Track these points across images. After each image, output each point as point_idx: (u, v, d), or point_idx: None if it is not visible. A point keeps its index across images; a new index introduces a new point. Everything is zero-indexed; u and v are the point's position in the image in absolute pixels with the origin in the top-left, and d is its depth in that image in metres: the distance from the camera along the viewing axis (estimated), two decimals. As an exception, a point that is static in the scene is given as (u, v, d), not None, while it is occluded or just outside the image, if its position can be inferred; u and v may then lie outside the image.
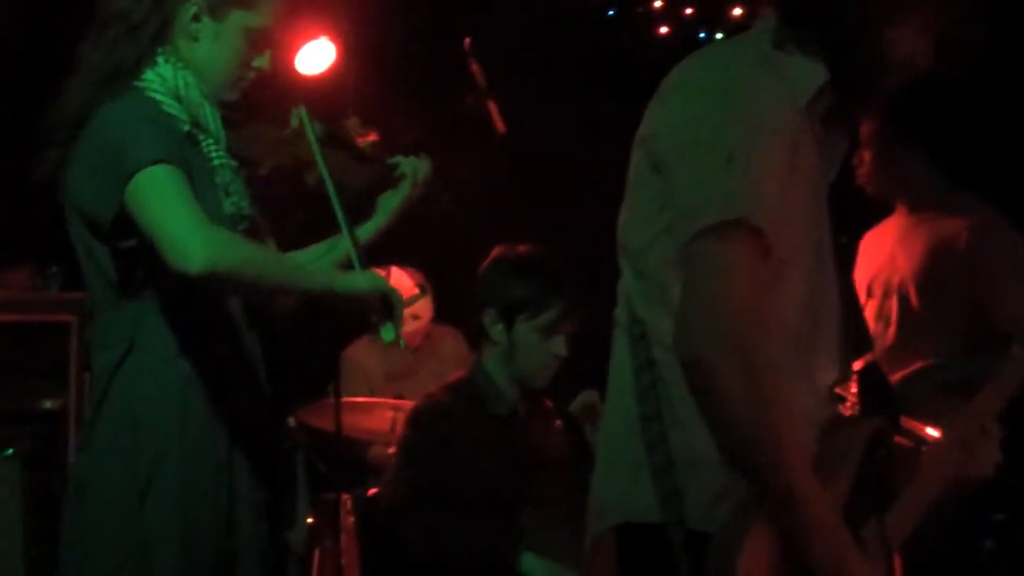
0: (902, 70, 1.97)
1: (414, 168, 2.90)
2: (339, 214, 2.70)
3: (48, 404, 5.07)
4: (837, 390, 2.03)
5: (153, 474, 2.42)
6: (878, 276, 3.88)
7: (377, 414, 4.57)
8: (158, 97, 2.48)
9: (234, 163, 2.56)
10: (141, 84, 2.49)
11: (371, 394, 4.90)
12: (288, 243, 2.82)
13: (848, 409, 2.02)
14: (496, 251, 3.60)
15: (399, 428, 4.46)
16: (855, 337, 2.08)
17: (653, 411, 1.93)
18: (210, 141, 2.52)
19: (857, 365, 2.07)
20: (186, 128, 2.50)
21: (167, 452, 2.43)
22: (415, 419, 3.55)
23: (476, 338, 3.66)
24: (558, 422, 3.64)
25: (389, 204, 2.89)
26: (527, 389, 3.54)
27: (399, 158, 2.91)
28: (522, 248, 3.57)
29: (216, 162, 2.52)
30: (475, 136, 3.99)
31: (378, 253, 2.88)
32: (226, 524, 2.49)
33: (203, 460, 2.47)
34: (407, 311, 4.98)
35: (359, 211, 2.84)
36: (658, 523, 1.89)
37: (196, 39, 2.54)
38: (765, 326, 1.85)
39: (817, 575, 1.81)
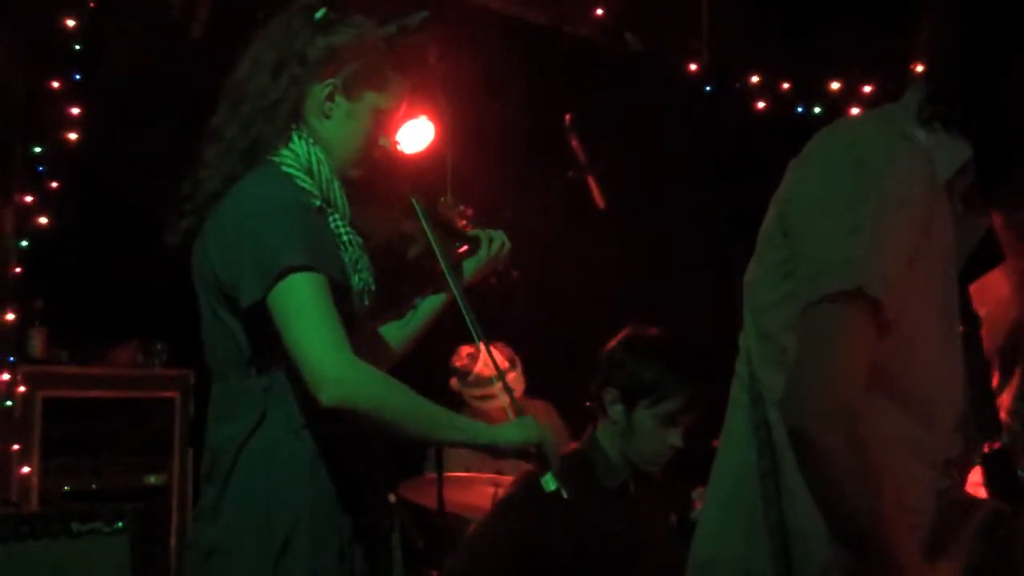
0: None
1: (491, 237, 2.95)
2: (450, 280, 2.75)
3: (153, 479, 5.15)
4: (957, 465, 2.00)
5: (288, 542, 2.42)
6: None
7: (477, 490, 4.54)
8: (292, 172, 2.52)
9: (360, 239, 2.59)
10: (276, 159, 2.53)
11: (466, 470, 4.88)
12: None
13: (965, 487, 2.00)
14: (627, 330, 3.57)
15: (499, 504, 4.45)
16: (984, 420, 2.05)
17: (769, 467, 1.94)
18: (337, 216, 2.56)
19: (984, 448, 2.04)
20: (317, 203, 2.53)
21: (299, 525, 2.43)
22: (522, 481, 3.51)
23: (575, 412, 3.63)
24: (668, 502, 3.60)
25: (467, 270, 2.94)
26: (637, 471, 3.51)
27: (477, 231, 2.96)
28: (654, 331, 3.54)
29: (345, 238, 2.55)
30: (575, 212, 4.00)
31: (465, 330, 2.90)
32: None
33: (330, 534, 2.46)
34: (498, 387, 5.00)
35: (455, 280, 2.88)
36: None
37: (328, 117, 2.59)
38: (883, 398, 1.86)
39: None
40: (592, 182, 4.05)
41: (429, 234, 2.75)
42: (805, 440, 1.80)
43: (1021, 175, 1.98)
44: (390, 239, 2.79)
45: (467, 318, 2.73)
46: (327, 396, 2.30)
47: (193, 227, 2.53)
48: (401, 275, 2.85)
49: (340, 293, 2.43)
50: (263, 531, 2.42)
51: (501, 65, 5.79)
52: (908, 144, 1.93)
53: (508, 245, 2.99)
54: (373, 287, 2.57)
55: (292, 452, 2.45)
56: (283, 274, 2.34)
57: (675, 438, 3.44)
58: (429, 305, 2.90)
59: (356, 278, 2.53)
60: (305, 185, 2.52)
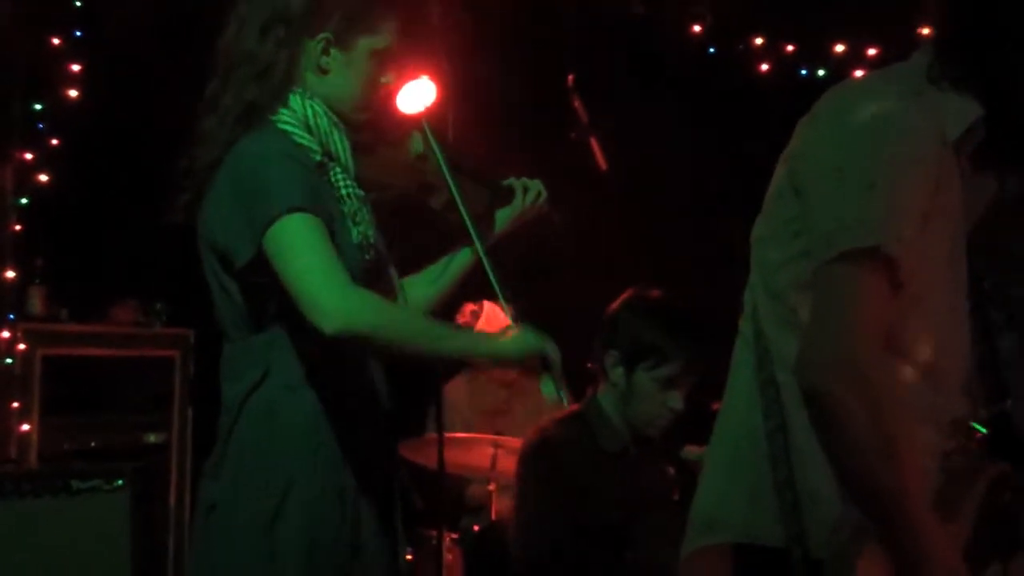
0: None
1: (525, 187, 2.92)
2: (472, 231, 2.71)
3: (152, 438, 5.16)
4: (962, 425, 1.99)
5: (284, 501, 2.43)
6: None
7: (477, 450, 4.56)
8: (289, 128, 2.51)
9: (361, 192, 2.58)
10: (273, 118, 2.52)
11: (466, 431, 4.89)
12: (405, 266, 2.83)
13: (974, 446, 1.99)
14: (628, 293, 3.58)
15: (499, 464, 4.46)
16: (991, 382, 2.05)
17: (778, 424, 1.93)
18: (338, 170, 2.55)
19: (991, 410, 2.04)
20: (317, 158, 2.52)
21: (297, 480, 2.44)
22: (530, 457, 3.51)
23: (578, 375, 3.63)
24: (668, 465, 3.61)
25: (499, 221, 2.91)
26: (638, 432, 3.52)
27: (512, 179, 2.92)
28: (655, 293, 3.55)
29: (344, 191, 2.54)
30: (576, 173, 3.99)
31: (473, 289, 2.88)
32: (351, 550, 2.49)
33: (331, 488, 2.47)
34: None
35: (480, 233, 2.83)
36: (779, 547, 1.90)
37: (326, 71, 2.57)
38: (892, 357, 1.86)
39: None
40: (594, 143, 4.03)
41: (448, 178, 2.71)
42: (822, 399, 1.81)
43: None
44: (408, 188, 2.76)
45: (491, 275, 2.68)
46: (329, 325, 2.29)
47: (193, 200, 2.52)
48: (426, 226, 2.81)
49: (338, 246, 2.42)
50: (260, 489, 2.43)
51: (504, 26, 5.77)
52: (919, 101, 1.91)
53: (545, 194, 2.96)
54: (373, 240, 2.56)
55: (290, 410, 2.46)
56: (274, 219, 2.34)
57: (675, 401, 3.45)
58: (461, 259, 2.86)
59: (355, 231, 2.52)
60: (303, 141, 2.51)
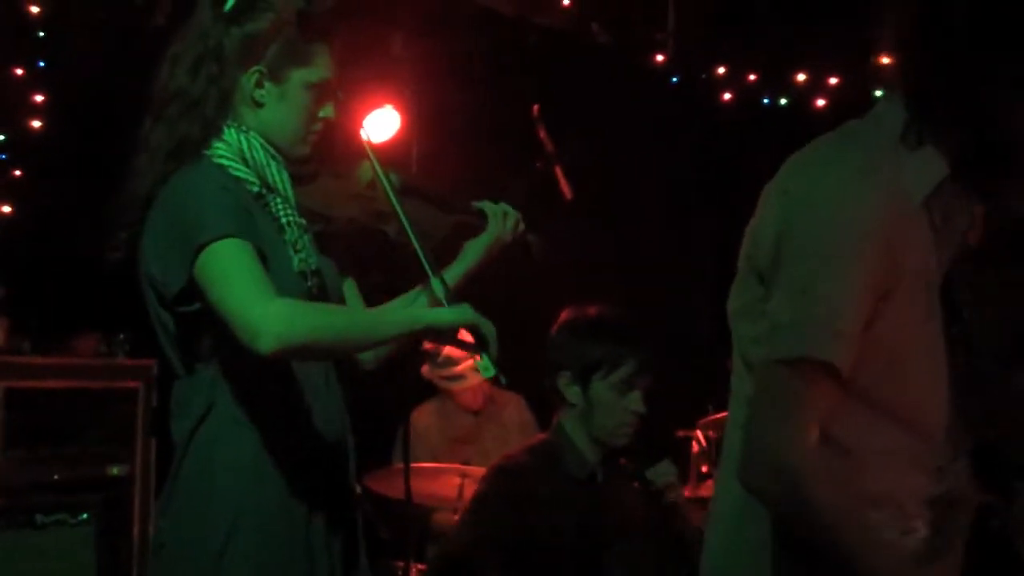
0: None
1: (503, 213, 2.90)
2: (423, 260, 2.67)
3: (115, 470, 5.11)
4: (949, 471, 2.03)
5: (230, 537, 2.42)
6: None
7: (444, 480, 4.54)
8: (225, 162, 2.51)
9: (302, 220, 2.57)
10: (208, 152, 2.52)
11: (433, 459, 4.88)
12: (371, 300, 2.81)
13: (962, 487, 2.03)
14: (565, 314, 3.61)
15: (466, 493, 4.44)
16: (970, 416, 2.07)
17: None
18: (278, 200, 2.54)
19: (972, 445, 2.07)
20: (255, 189, 2.52)
21: (244, 515, 2.43)
22: (492, 476, 3.52)
23: (545, 402, 3.64)
24: (636, 485, 3.61)
25: (474, 249, 2.88)
26: (607, 449, 3.52)
27: (485, 203, 2.90)
28: (592, 309, 3.58)
29: (284, 220, 2.53)
30: (543, 203, 4.00)
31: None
32: None
33: (281, 522, 2.46)
34: (469, 363, 4.97)
35: (444, 260, 2.80)
36: None
37: (261, 105, 2.57)
38: (873, 416, 1.94)
39: None
40: (559, 172, 4.04)
41: (395, 205, 2.66)
42: (762, 500, 1.91)
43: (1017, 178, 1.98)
44: (357, 218, 2.73)
45: (440, 285, 2.64)
46: (264, 344, 2.27)
47: (131, 236, 2.51)
48: (391, 256, 2.78)
49: (277, 274, 2.42)
50: (204, 525, 2.42)
51: (468, 55, 5.78)
52: (872, 179, 1.92)
53: (522, 224, 2.94)
54: (315, 267, 2.55)
55: (236, 443, 2.45)
56: (204, 245, 2.34)
57: (636, 403, 3.47)
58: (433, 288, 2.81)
59: (296, 259, 2.52)
60: (239, 173, 2.51)
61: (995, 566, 2.01)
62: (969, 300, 2.08)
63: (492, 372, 2.51)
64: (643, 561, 3.40)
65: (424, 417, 5.26)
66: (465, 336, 2.52)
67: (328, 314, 2.44)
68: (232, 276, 2.33)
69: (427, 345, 4.89)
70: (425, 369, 5.12)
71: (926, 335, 2.00)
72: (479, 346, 2.50)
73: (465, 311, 2.50)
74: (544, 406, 3.70)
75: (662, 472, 3.60)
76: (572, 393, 3.49)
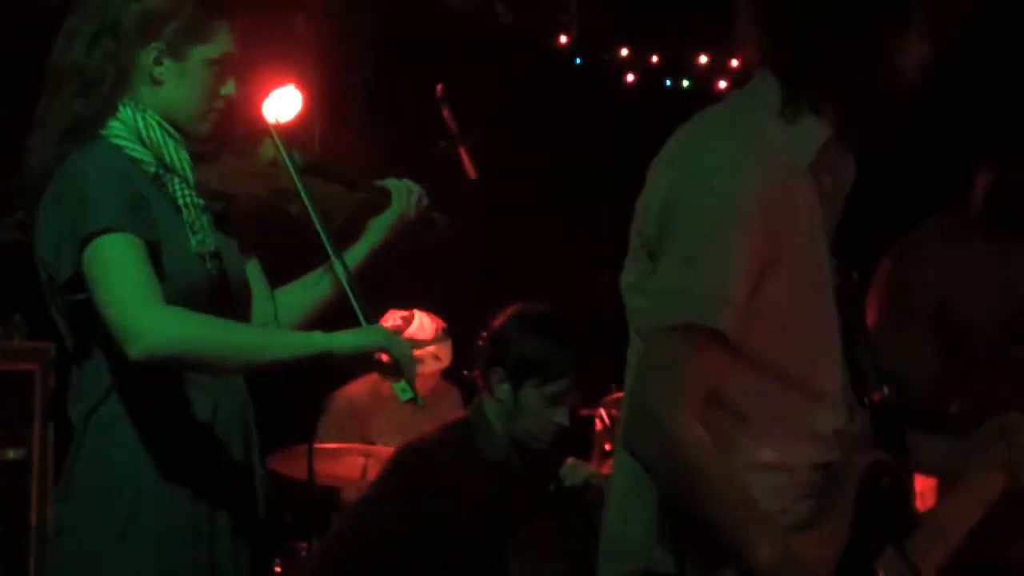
0: (912, 82, 2.01)
1: (407, 189, 2.87)
2: (324, 240, 2.64)
3: (12, 454, 5.02)
4: (843, 435, 2.06)
5: (130, 519, 2.39)
6: None
7: (347, 460, 4.53)
8: (121, 143, 2.47)
9: (200, 201, 2.53)
10: (104, 132, 2.48)
11: (361, 440, 4.80)
12: (275, 280, 2.79)
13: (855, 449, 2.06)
14: (513, 309, 3.55)
15: (369, 474, 4.44)
16: (863, 373, 2.11)
17: None
18: (176, 180, 2.51)
19: (866, 404, 2.11)
20: (152, 170, 2.49)
21: (144, 497, 2.40)
22: (399, 456, 3.50)
23: (475, 390, 3.60)
24: (546, 472, 3.62)
25: (378, 227, 2.84)
26: (522, 448, 3.51)
27: (390, 180, 2.88)
28: (541, 308, 3.53)
29: (182, 201, 2.50)
30: (447, 183, 3.99)
31: (398, 295, 2.82)
32: (209, 566, 2.45)
33: (182, 504, 2.43)
34: (430, 350, 4.90)
35: (350, 238, 2.76)
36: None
37: (160, 82, 2.53)
38: (765, 381, 1.97)
39: None
40: (463, 153, 4.04)
41: (297, 183, 2.63)
42: (640, 461, 1.92)
43: (894, 111, 2.02)
44: (259, 197, 2.69)
45: (345, 283, 2.61)
46: (134, 351, 2.26)
47: (26, 217, 2.47)
48: (297, 234, 2.74)
49: (175, 257, 2.40)
50: (103, 509, 2.39)
51: (372, 35, 5.75)
52: (755, 148, 1.96)
53: (427, 200, 2.90)
54: (213, 249, 2.52)
55: (134, 426, 2.42)
56: (88, 239, 2.31)
57: (562, 417, 3.45)
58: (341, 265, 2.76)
59: (194, 240, 2.48)
60: (135, 154, 2.47)
61: (885, 525, 2.02)
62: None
63: (409, 395, 2.47)
64: (550, 545, 3.41)
65: (359, 394, 5.15)
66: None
67: (209, 328, 2.38)
68: (113, 275, 2.31)
69: (384, 321, 4.81)
70: None
71: (817, 298, 2.03)
72: (392, 371, 2.46)
73: (371, 335, 2.46)
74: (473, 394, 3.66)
75: (572, 473, 3.62)
76: (502, 390, 3.44)
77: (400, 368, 2.45)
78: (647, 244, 2.00)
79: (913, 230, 3.29)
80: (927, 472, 2.37)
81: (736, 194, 1.91)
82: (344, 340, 2.42)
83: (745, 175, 1.93)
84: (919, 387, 3.00)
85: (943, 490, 2.29)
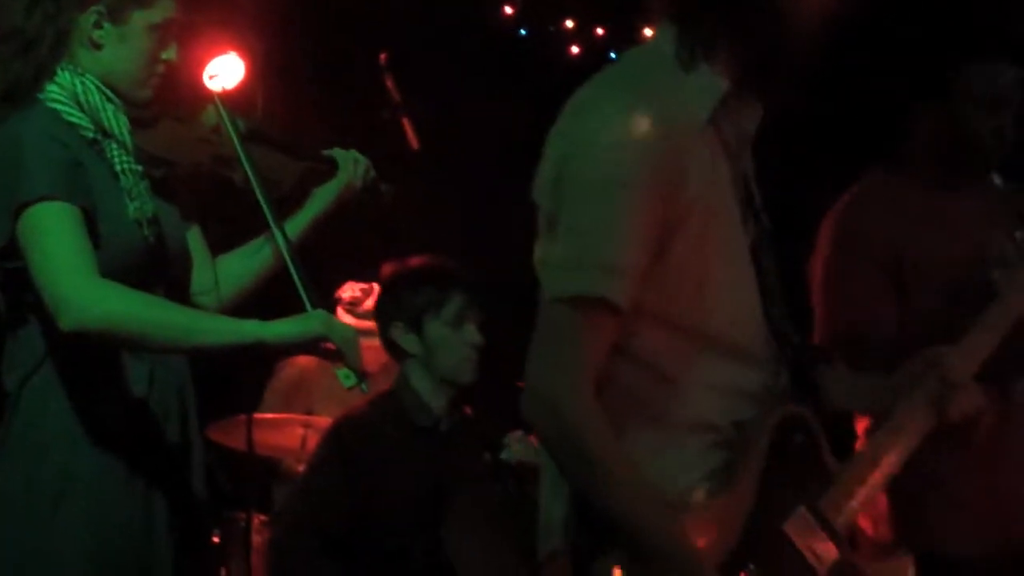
0: (813, 32, 1.99)
1: (353, 159, 2.86)
2: (265, 209, 2.62)
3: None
4: (763, 393, 2.04)
5: (63, 488, 2.38)
6: None
7: (287, 431, 4.51)
8: (58, 107, 2.45)
9: (139, 167, 2.51)
10: (42, 96, 2.45)
11: (307, 411, 4.77)
12: (218, 246, 2.76)
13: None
14: (385, 269, 3.70)
15: (309, 444, 4.43)
16: (782, 330, 2.09)
17: None
18: (114, 145, 2.48)
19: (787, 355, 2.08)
20: (90, 135, 2.46)
21: (76, 471, 2.39)
22: (331, 434, 3.53)
23: (393, 356, 3.65)
24: (478, 435, 3.65)
25: (323, 196, 2.84)
26: (454, 391, 3.56)
27: (336, 150, 2.86)
28: (408, 261, 3.66)
29: (119, 167, 2.48)
30: (389, 152, 3.98)
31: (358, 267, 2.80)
32: (145, 535, 2.44)
33: (117, 476, 2.42)
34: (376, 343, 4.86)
35: (295, 207, 2.76)
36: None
37: (100, 46, 2.51)
38: (682, 344, 1.95)
39: None
40: (406, 123, 4.03)
41: (239, 150, 2.61)
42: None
43: (794, 59, 2.00)
44: (200, 164, 2.66)
45: (286, 254, 2.59)
46: (64, 321, 2.26)
47: None
48: (230, 204, 2.71)
49: (112, 223, 2.39)
50: (36, 479, 2.38)
51: (316, 3, 5.71)
52: (646, 111, 1.90)
53: (373, 171, 2.90)
54: (151, 215, 2.50)
55: (68, 395, 2.41)
56: (23, 207, 2.30)
57: (472, 335, 3.55)
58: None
59: (131, 206, 2.46)
60: (73, 118, 2.45)
61: (797, 483, 2.00)
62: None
63: (352, 382, 2.46)
64: (485, 513, 3.43)
65: (309, 363, 5.07)
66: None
67: (142, 306, 2.36)
68: (48, 245, 2.30)
69: (346, 295, 4.78)
70: (338, 314, 4.92)
71: (730, 254, 2.01)
72: (335, 356, 2.44)
73: (308, 323, 2.43)
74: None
75: (517, 449, 3.64)
76: (409, 342, 3.54)
77: (340, 357, 2.44)
78: (546, 215, 1.97)
79: (856, 185, 3.25)
80: (855, 410, 2.34)
81: (622, 160, 1.88)
82: (278, 329, 2.40)
83: (631, 139, 1.88)
84: (883, 339, 2.99)
85: (872, 428, 2.25)
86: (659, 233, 1.90)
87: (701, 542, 1.88)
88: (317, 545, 3.40)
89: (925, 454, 2.44)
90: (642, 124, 1.89)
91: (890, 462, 2.12)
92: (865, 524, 2.92)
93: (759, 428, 1.99)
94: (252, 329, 2.39)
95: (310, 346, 2.44)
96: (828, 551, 1.98)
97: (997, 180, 3.20)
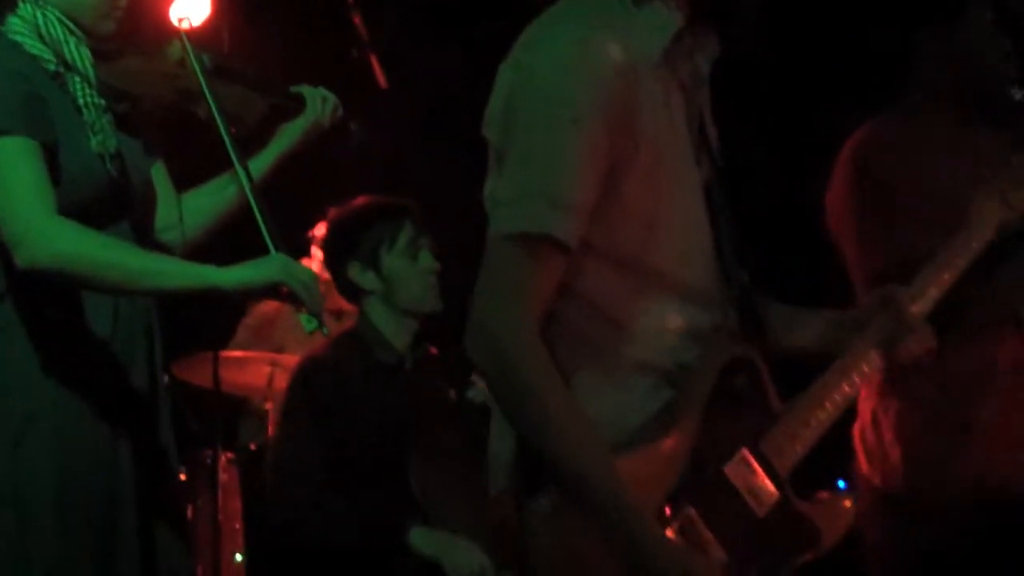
0: None
1: (321, 97, 2.84)
2: (229, 146, 2.59)
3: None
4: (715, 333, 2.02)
5: (26, 425, 2.37)
6: None
7: (253, 369, 4.51)
8: (20, 39, 2.43)
9: (101, 101, 2.49)
10: (3, 28, 2.44)
11: (275, 350, 4.75)
12: (183, 182, 2.74)
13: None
14: (331, 214, 3.73)
15: (276, 383, 4.43)
16: (732, 270, 2.06)
17: None
18: (76, 79, 2.46)
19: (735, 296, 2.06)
20: (52, 67, 2.44)
21: (39, 409, 2.39)
22: (297, 379, 3.53)
23: (351, 298, 3.65)
24: (444, 374, 3.66)
25: (289, 134, 2.82)
26: (417, 325, 3.58)
27: (304, 87, 2.84)
28: (354, 201, 3.68)
29: (82, 100, 2.46)
30: (356, 91, 3.96)
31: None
32: (110, 473, 2.44)
33: (81, 413, 2.42)
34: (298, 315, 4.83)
35: (260, 144, 2.74)
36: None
37: None
38: (634, 282, 1.92)
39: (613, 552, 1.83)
40: (374, 61, 4.00)
41: (203, 84, 2.58)
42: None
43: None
44: (164, 98, 2.64)
45: (249, 196, 2.57)
46: (19, 258, 2.27)
47: None
48: (195, 140, 2.69)
49: (74, 158, 2.38)
50: (2, 404, 2.37)
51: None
52: (597, 45, 1.87)
53: (341, 109, 2.88)
54: (113, 150, 2.48)
55: (29, 334, 2.40)
56: None
57: (428, 260, 3.57)
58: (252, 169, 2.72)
59: (94, 140, 2.45)
60: (35, 51, 2.43)
61: (739, 426, 1.99)
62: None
63: (314, 326, 2.45)
64: (450, 451, 3.44)
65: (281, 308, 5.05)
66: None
67: (96, 247, 2.35)
68: (6, 181, 2.29)
69: (317, 231, 4.72)
70: (313, 250, 4.89)
71: (681, 193, 1.98)
72: (294, 303, 2.43)
73: (265, 268, 2.41)
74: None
75: (482, 388, 3.65)
76: (367, 279, 3.55)
77: (299, 302, 2.42)
78: (496, 150, 1.94)
79: (870, 123, 3.09)
80: (805, 348, 2.29)
81: (571, 94, 1.84)
82: (235, 275, 2.39)
83: (582, 73, 1.85)
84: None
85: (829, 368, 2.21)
86: (608, 170, 1.87)
87: (639, 483, 1.85)
88: (307, 490, 3.40)
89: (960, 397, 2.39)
90: (593, 58, 1.86)
91: (835, 403, 2.10)
92: (874, 476, 2.94)
93: (704, 370, 1.97)
94: (208, 274, 2.38)
95: (268, 292, 2.44)
96: (768, 493, 1.98)
97: (1018, 95, 3.01)
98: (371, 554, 3.34)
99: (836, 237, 3.06)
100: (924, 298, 2.25)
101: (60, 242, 2.30)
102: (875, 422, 2.96)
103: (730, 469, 1.96)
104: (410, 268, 3.54)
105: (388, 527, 3.34)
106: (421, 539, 3.29)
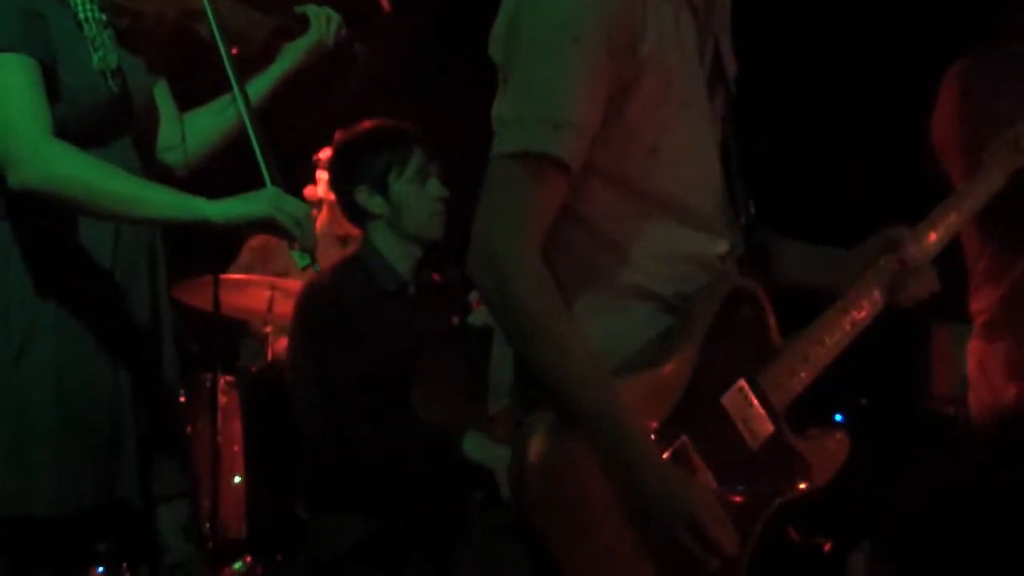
0: None
1: (327, 17, 2.81)
2: (227, 67, 2.55)
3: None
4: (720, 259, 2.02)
5: (25, 344, 2.36)
6: None
7: (253, 292, 4.51)
8: None
9: (102, 16, 2.46)
10: None
11: (276, 275, 4.74)
12: (185, 104, 2.71)
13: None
14: (338, 136, 3.69)
15: (276, 307, 4.43)
16: (741, 199, 2.06)
17: None
18: None
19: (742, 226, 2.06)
20: None
21: (39, 323, 2.38)
22: (299, 308, 3.52)
23: (357, 222, 3.64)
24: (447, 300, 3.66)
25: (292, 53, 2.79)
26: (421, 251, 3.58)
27: (308, 7, 2.80)
28: (363, 125, 3.65)
29: (83, 15, 2.43)
30: (359, 14, 3.91)
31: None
32: (111, 389, 2.44)
33: (81, 335, 2.41)
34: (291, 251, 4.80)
35: (265, 63, 2.71)
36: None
37: None
38: (638, 208, 1.92)
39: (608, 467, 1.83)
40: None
41: (205, 2, 2.53)
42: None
43: None
44: (165, 15, 2.59)
45: (247, 121, 2.52)
46: (12, 178, 2.26)
47: None
48: (198, 58, 2.65)
49: (75, 74, 2.36)
50: (3, 320, 2.36)
51: None
52: None
53: (346, 29, 2.84)
54: (114, 66, 2.45)
55: (26, 252, 2.38)
56: None
57: (436, 187, 3.56)
58: (253, 89, 2.71)
59: (95, 56, 2.42)
60: None
61: (739, 357, 1.99)
62: None
63: (306, 262, 2.43)
64: (452, 376, 3.45)
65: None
66: None
67: (88, 171, 2.33)
68: (3, 99, 2.27)
69: (322, 153, 4.69)
70: (318, 173, 4.88)
71: (688, 118, 1.96)
72: (287, 237, 2.39)
73: (255, 203, 2.38)
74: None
75: (484, 312, 3.64)
76: (375, 204, 3.53)
77: (290, 236, 2.40)
78: (501, 71, 1.93)
79: (975, 57, 3.01)
80: (808, 284, 2.28)
81: (575, 13, 1.83)
82: (225, 209, 2.36)
83: None
84: None
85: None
86: (612, 91, 1.86)
87: (636, 408, 1.86)
88: (356, 410, 3.41)
89: None
90: None
91: (835, 341, 2.10)
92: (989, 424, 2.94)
93: (707, 298, 1.97)
94: (198, 206, 2.35)
95: (259, 226, 2.42)
96: (763, 426, 1.99)
97: None
98: (430, 466, 3.37)
99: (941, 153, 3.01)
100: (929, 240, 2.24)
101: (54, 164, 2.28)
102: (983, 369, 2.96)
103: (727, 399, 1.97)
104: (419, 195, 3.53)
105: (445, 436, 3.36)
106: (475, 446, 3.31)
